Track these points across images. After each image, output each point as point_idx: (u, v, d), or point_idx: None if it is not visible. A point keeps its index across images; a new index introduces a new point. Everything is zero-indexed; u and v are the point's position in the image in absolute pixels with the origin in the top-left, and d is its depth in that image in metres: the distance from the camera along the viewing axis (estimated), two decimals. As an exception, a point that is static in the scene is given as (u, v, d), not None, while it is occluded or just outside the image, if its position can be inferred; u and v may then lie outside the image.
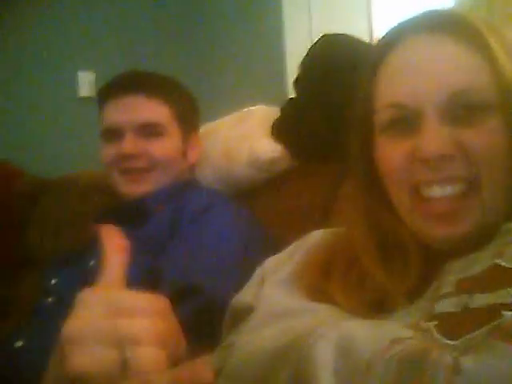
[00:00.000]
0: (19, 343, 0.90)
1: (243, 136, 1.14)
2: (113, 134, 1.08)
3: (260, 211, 1.06)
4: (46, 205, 1.38)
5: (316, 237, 0.65)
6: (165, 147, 1.08)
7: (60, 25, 1.95)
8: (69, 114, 1.96)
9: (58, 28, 1.94)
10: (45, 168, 1.54)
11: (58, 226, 1.33)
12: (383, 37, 0.59)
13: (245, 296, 0.63)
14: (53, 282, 1.02)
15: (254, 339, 0.51)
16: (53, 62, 1.94)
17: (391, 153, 0.55)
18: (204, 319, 0.79)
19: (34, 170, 1.52)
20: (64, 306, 1.03)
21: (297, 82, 1.12)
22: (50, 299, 0.98)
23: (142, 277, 0.90)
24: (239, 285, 0.66)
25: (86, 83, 1.97)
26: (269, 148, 1.10)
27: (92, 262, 1.00)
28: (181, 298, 0.82)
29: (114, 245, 0.44)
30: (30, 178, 1.47)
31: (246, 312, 0.60)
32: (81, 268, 1.00)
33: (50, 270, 1.08)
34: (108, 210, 1.14)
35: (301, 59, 1.11)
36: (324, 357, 0.40)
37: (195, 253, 0.91)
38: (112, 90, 1.10)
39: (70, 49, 1.97)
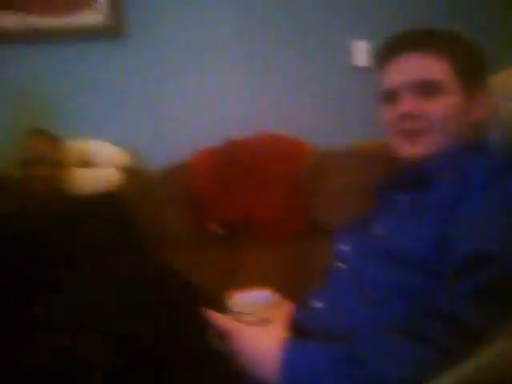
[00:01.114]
0: (319, 304, 0.97)
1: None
2: (391, 95, 1.08)
3: None
4: (331, 175, 1.45)
5: None
6: (444, 106, 1.01)
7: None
8: (343, 83, 2.01)
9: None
10: (321, 138, 1.60)
11: (342, 194, 1.40)
12: None
13: None
14: (343, 248, 1.06)
15: None
16: (327, 32, 2.01)
17: None
18: (498, 287, 0.76)
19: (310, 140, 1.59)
20: (356, 272, 1.06)
21: None
22: (342, 265, 1.02)
23: (429, 243, 0.88)
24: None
25: (360, 52, 1.99)
26: None
27: (378, 230, 1.02)
28: (473, 265, 0.79)
29: None
30: (317, 151, 1.57)
31: None
32: (368, 235, 1.03)
33: (339, 236, 1.13)
34: (390, 177, 1.15)
35: None
36: None
37: (485, 220, 0.84)
38: (386, 52, 1.10)
39: (343, 19, 2.02)
